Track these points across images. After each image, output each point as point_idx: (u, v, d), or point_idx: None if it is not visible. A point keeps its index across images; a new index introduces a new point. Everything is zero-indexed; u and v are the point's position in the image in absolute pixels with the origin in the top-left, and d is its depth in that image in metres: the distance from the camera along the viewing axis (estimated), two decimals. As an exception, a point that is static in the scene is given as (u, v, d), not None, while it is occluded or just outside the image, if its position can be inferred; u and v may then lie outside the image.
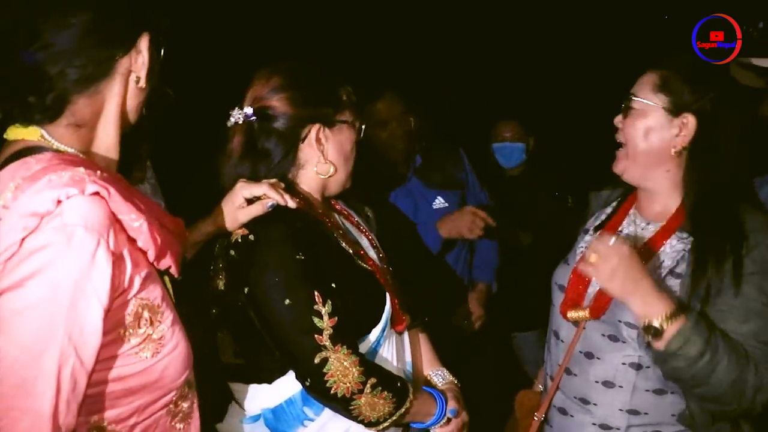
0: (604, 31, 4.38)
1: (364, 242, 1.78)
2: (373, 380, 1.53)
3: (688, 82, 1.66)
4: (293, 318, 1.49)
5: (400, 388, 1.59)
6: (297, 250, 1.51)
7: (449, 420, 1.71)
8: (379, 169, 2.64)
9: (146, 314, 1.12)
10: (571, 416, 1.78)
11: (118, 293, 1.07)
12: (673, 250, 1.67)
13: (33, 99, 1.09)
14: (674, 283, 1.63)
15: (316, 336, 1.49)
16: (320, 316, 1.49)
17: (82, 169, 1.05)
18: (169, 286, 1.24)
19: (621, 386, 1.69)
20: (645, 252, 1.67)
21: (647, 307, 1.52)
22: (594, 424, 1.73)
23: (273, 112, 1.62)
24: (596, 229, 1.87)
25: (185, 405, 1.24)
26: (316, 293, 1.50)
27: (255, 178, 1.63)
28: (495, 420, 2.14)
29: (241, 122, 1.63)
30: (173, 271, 1.21)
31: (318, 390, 1.52)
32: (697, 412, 1.63)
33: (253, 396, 1.63)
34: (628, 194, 1.88)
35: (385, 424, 1.58)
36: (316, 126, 1.64)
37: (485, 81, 4.63)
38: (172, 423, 1.22)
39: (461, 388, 1.84)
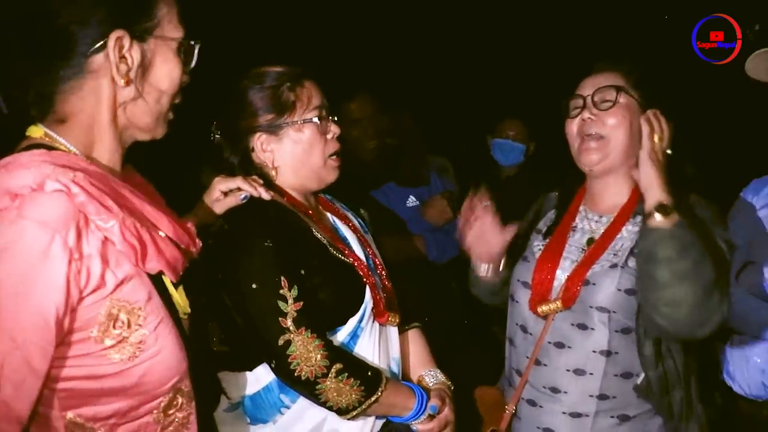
0: (604, 31, 4.38)
1: (352, 238, 1.82)
2: (338, 366, 1.57)
3: (654, 80, 1.81)
4: (259, 301, 1.57)
5: (370, 377, 1.62)
6: (266, 238, 1.59)
7: (431, 417, 1.72)
8: (351, 170, 2.72)
9: (123, 316, 1.11)
10: (540, 407, 1.84)
11: (88, 291, 1.07)
12: (631, 233, 1.80)
13: (17, 93, 1.12)
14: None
15: (280, 319, 1.56)
16: (285, 300, 1.56)
17: (49, 168, 1.05)
18: (173, 290, 1.24)
19: (591, 373, 1.77)
20: (605, 240, 1.81)
21: (664, 189, 1.65)
22: (564, 412, 1.80)
23: (223, 127, 1.77)
24: (549, 229, 1.96)
25: (179, 415, 1.21)
26: (282, 278, 1.57)
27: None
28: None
29: (212, 136, 1.79)
30: (169, 275, 1.19)
31: (283, 372, 1.58)
32: (654, 381, 1.74)
33: (236, 384, 1.67)
34: (569, 193, 1.98)
35: (354, 413, 1.61)
36: (257, 135, 1.73)
37: (485, 81, 4.63)
38: (162, 431, 1.19)
39: (456, 389, 1.86)
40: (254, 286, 1.57)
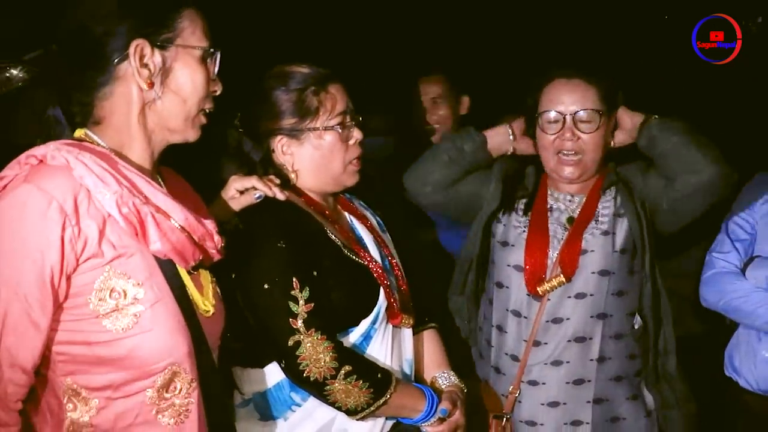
0: (604, 31, 4.39)
1: (368, 239, 1.82)
2: (347, 368, 1.59)
3: (612, 87, 1.99)
4: (270, 301, 1.59)
5: (380, 379, 1.63)
6: (279, 238, 1.61)
7: (441, 420, 1.73)
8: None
9: (119, 288, 1.20)
10: (543, 384, 1.97)
11: (84, 257, 1.17)
12: (608, 204, 2.01)
13: (64, 104, 1.30)
14: (622, 225, 1.98)
15: (290, 319, 1.57)
16: (296, 301, 1.58)
17: (58, 146, 1.21)
18: (189, 284, 1.32)
19: (591, 338, 1.95)
20: (587, 215, 1.99)
21: (637, 113, 1.99)
22: (567, 382, 1.95)
23: (245, 124, 1.78)
24: (524, 211, 2.07)
25: (177, 401, 1.26)
26: (294, 279, 1.59)
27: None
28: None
29: (235, 128, 1.80)
30: (178, 262, 1.28)
31: (292, 372, 1.60)
32: (650, 318, 1.98)
33: (248, 380, 1.69)
34: (537, 175, 2.11)
35: (363, 414, 1.63)
36: (278, 138, 1.74)
37: (483, 81, 4.64)
38: (157, 414, 1.24)
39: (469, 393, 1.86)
40: (266, 286, 1.58)
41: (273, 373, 1.66)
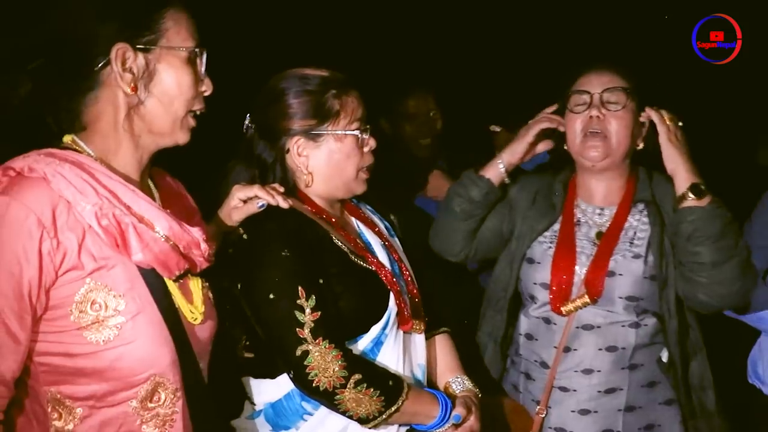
0: (604, 31, 4.38)
1: (377, 244, 1.80)
2: (357, 376, 1.56)
3: (644, 84, 1.92)
4: (276, 311, 1.57)
5: (391, 386, 1.61)
6: (283, 247, 1.59)
7: (456, 426, 1.70)
8: (402, 167, 2.70)
9: (100, 300, 1.19)
10: (574, 390, 1.91)
11: (63, 269, 1.16)
12: (640, 222, 1.92)
13: (50, 111, 1.28)
14: (655, 248, 1.87)
15: (297, 329, 1.55)
16: (302, 311, 1.55)
17: (36, 157, 1.20)
18: (176, 292, 1.30)
19: (623, 348, 1.88)
20: (615, 231, 1.90)
21: (692, 170, 1.81)
22: (599, 391, 1.88)
23: (259, 124, 1.74)
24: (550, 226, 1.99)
25: (161, 411, 1.25)
26: (300, 288, 1.56)
27: (260, 182, 1.71)
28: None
29: (245, 129, 1.77)
30: (161, 272, 1.26)
31: (301, 382, 1.57)
32: (676, 355, 1.87)
33: (259, 391, 1.67)
34: (564, 188, 2.03)
35: (375, 422, 1.60)
36: (295, 139, 1.70)
37: (481, 80, 4.62)
38: (142, 425, 1.23)
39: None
40: (271, 296, 1.56)
41: (284, 384, 1.64)
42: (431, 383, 1.82)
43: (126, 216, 1.20)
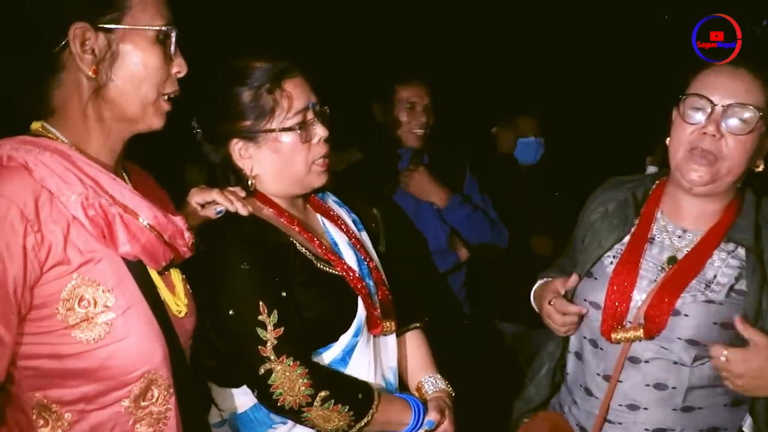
0: (603, 31, 4.38)
1: (342, 242, 1.71)
2: (324, 393, 1.50)
3: None
4: (237, 328, 1.50)
5: (360, 400, 1.55)
6: (243, 260, 1.51)
7: None
8: (385, 156, 2.70)
9: (88, 296, 1.13)
10: (619, 423, 1.66)
11: (48, 265, 1.10)
12: (726, 264, 1.59)
13: (15, 95, 1.20)
14: (737, 300, 1.56)
15: (259, 347, 1.48)
16: (264, 327, 1.48)
17: (14, 145, 1.13)
18: (160, 285, 1.26)
19: (674, 387, 1.60)
20: (694, 264, 1.58)
21: None
22: (647, 429, 1.63)
23: (202, 126, 1.65)
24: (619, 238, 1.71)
25: (154, 409, 1.21)
26: (261, 303, 1.49)
27: (216, 185, 1.63)
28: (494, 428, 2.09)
29: (194, 131, 1.67)
30: (148, 264, 1.21)
31: (266, 401, 1.51)
32: (761, 412, 1.59)
33: (224, 398, 1.62)
34: (644, 192, 1.73)
35: None
36: (234, 141, 1.61)
37: (484, 81, 4.62)
38: (135, 424, 1.19)
39: (458, 396, 1.78)
40: (231, 312, 1.49)
41: (250, 393, 1.56)
42: (403, 383, 1.77)
43: (112, 206, 1.15)
